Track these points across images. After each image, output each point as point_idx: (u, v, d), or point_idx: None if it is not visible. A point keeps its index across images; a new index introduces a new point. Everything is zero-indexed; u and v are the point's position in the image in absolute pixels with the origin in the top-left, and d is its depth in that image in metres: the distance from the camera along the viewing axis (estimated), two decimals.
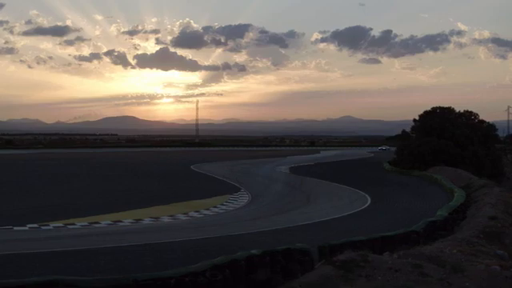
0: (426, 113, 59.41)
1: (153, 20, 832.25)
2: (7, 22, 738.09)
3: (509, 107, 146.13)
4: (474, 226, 23.99)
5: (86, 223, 27.51)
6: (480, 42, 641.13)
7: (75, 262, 15.45)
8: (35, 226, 26.30)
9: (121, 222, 28.34)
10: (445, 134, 55.01)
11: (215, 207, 34.04)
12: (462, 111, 59.84)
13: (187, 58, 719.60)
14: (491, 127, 59.15)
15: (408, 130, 69.02)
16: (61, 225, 26.95)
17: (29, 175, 53.70)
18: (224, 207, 34.26)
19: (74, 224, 27.23)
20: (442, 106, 59.48)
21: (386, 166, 62.69)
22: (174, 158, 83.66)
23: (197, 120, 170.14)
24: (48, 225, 26.72)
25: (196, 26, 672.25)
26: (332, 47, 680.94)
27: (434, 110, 59.47)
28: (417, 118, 61.12)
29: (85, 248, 18.62)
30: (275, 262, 15.28)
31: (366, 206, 33.27)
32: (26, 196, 37.70)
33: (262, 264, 14.53)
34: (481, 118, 60.18)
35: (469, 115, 59.03)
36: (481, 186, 35.73)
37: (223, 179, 50.32)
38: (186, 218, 30.50)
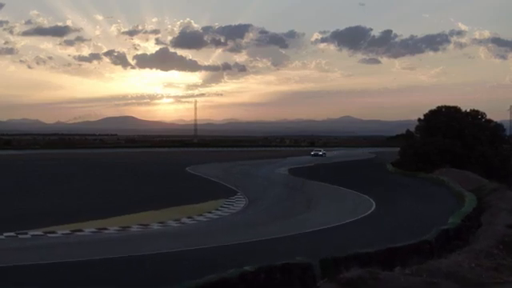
0: (431, 112, 57.28)
1: (153, 20, 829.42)
2: (7, 22, 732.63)
3: (511, 107, 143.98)
4: (492, 235, 22.12)
5: (68, 231, 25.37)
6: (480, 41, 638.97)
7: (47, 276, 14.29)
8: (12, 234, 24.16)
9: (106, 229, 26.24)
10: (451, 134, 52.94)
11: (209, 212, 32.02)
12: (468, 110, 57.75)
13: (187, 58, 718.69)
14: (499, 127, 57.01)
15: (408, 130, 66.98)
16: (40, 233, 24.79)
17: (20, 176, 51.86)
18: (219, 212, 32.29)
19: (54, 232, 25.06)
20: (447, 105, 57.39)
21: (388, 167, 60.61)
22: (171, 159, 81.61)
23: (195, 120, 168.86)
24: (26, 233, 24.57)
25: (196, 26, 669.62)
26: (332, 47, 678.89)
27: (440, 109, 57.34)
28: (419, 117, 59.21)
29: (61, 261, 16.98)
30: (272, 279, 13.72)
31: (371, 211, 31.19)
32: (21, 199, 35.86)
33: (256, 283, 12.88)
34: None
35: (475, 114, 56.90)
36: (493, 190, 33.67)
37: (219, 181, 48.21)
38: (177, 224, 28.53)
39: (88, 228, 26.17)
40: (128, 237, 24.28)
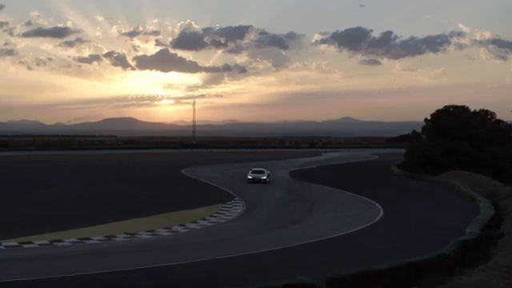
0: (439, 112, 54.81)
1: (153, 21, 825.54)
2: (7, 23, 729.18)
3: None
4: None
5: (47, 241, 22.98)
6: (481, 43, 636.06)
7: None
8: None
9: (90, 239, 23.89)
10: (459, 135, 50.55)
11: (204, 219, 29.66)
12: (477, 110, 55.25)
13: (187, 60, 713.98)
14: (509, 127, 54.46)
15: (414, 130, 64.56)
16: (15, 243, 22.42)
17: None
18: (214, 219, 29.92)
19: (31, 242, 22.70)
20: (455, 104, 54.89)
21: (394, 169, 58.14)
22: (167, 161, 79.32)
23: (194, 121, 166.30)
24: None
25: (196, 27, 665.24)
26: (332, 48, 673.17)
27: (447, 108, 54.85)
28: (426, 117, 56.79)
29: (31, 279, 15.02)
30: None
31: (378, 218, 28.85)
32: None
33: None
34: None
35: (484, 114, 54.40)
36: (509, 195, 31.30)
37: (215, 185, 45.80)
38: (167, 233, 26.21)
39: (68, 238, 23.82)
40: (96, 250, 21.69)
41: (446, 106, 55.06)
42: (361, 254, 19.66)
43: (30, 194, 39.72)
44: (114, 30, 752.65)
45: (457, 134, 51.01)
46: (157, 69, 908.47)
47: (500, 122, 54.81)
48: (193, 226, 27.92)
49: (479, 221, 24.76)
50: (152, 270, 16.59)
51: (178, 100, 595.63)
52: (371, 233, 24.94)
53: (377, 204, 33.07)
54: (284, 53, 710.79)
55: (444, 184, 42.67)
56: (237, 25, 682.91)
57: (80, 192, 40.64)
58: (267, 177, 47.68)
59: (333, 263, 18.01)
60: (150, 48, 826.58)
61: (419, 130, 61.01)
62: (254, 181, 46.39)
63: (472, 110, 55.75)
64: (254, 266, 17.17)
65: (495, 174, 45.28)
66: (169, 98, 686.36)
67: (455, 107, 54.58)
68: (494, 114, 54.27)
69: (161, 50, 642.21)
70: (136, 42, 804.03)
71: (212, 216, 30.55)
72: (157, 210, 31.96)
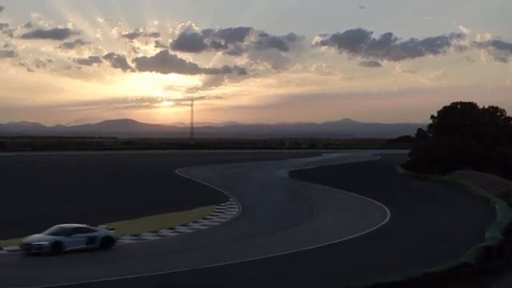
0: (445, 109, 52.32)
1: (154, 23, 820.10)
2: (7, 24, 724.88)
3: None
4: None
5: (18, 247, 20.64)
6: (481, 44, 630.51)
7: None
8: None
9: None
10: (467, 133, 48.12)
11: (196, 222, 27.41)
12: (486, 107, 52.71)
13: (187, 61, 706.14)
14: None
15: (421, 129, 62.39)
16: None
17: None
18: (207, 222, 27.71)
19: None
20: (462, 101, 52.37)
21: (398, 169, 55.69)
22: (163, 161, 77.11)
23: (192, 122, 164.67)
24: None
25: (196, 28, 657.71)
26: (332, 50, 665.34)
27: (454, 105, 52.37)
28: (421, 120, 54.88)
29: None
30: None
31: (386, 221, 26.57)
32: None
33: None
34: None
35: (494, 111, 51.84)
36: None
37: (210, 185, 43.61)
38: (154, 237, 24.00)
39: None
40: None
41: (453, 103, 52.52)
42: (368, 261, 17.83)
43: (30, 194, 38.62)
44: (114, 31, 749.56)
45: (464, 131, 48.61)
46: (157, 70, 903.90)
47: (510, 119, 52.18)
48: (183, 229, 25.75)
49: (499, 224, 22.43)
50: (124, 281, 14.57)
51: (178, 102, 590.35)
52: (379, 239, 22.84)
53: (383, 206, 30.78)
54: (284, 54, 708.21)
55: (453, 184, 40.31)
56: (237, 26, 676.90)
57: (80, 192, 39.21)
58: (58, 244, 20.44)
59: (339, 271, 16.51)
60: (150, 50, 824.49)
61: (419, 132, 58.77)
62: (30, 250, 20.39)
63: (487, 105, 53.16)
64: (242, 277, 15.54)
65: (506, 173, 42.89)
66: (169, 100, 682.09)
67: (463, 104, 52.03)
68: (503, 110, 51.73)
69: (161, 52, 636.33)
70: (136, 43, 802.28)
71: (205, 218, 28.35)
72: (149, 212, 29.65)
